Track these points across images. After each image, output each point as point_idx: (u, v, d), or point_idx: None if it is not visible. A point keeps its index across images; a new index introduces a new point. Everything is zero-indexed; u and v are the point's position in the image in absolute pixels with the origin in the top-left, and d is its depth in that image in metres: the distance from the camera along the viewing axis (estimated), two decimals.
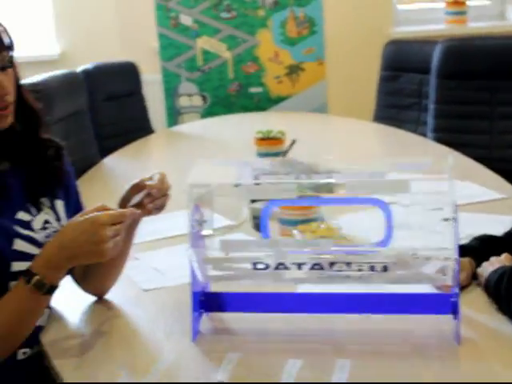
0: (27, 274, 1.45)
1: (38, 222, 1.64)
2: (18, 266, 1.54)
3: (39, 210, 1.66)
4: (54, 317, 1.71)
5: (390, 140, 3.54)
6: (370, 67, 4.41)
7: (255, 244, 1.72)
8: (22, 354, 1.59)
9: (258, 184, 1.60)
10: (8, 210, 1.58)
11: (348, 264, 1.49)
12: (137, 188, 1.65)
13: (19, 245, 1.56)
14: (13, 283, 1.52)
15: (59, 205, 1.72)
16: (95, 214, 1.45)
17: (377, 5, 5.09)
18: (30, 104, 1.67)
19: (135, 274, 1.93)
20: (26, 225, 1.60)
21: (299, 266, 1.53)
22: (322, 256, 1.51)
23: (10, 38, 1.54)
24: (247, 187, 1.60)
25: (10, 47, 1.54)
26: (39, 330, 1.61)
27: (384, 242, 1.56)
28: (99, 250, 1.42)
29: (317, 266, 1.52)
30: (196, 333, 1.57)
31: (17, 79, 1.60)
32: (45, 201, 1.69)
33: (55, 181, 1.71)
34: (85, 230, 1.44)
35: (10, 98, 1.53)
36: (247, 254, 1.57)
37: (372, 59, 4.39)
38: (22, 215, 1.61)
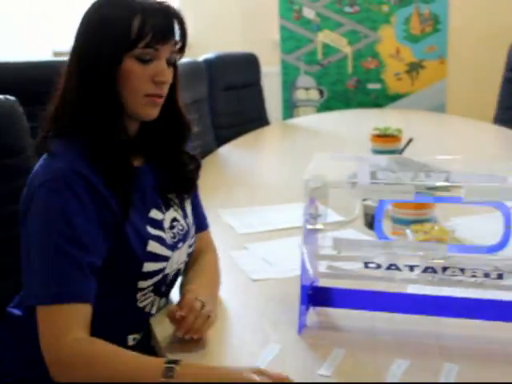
0: (170, 370, 1.34)
1: (167, 221, 1.65)
2: (148, 266, 1.57)
3: (169, 206, 1.68)
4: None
5: None
6: (494, 67, 4.33)
7: (368, 244, 1.69)
8: (132, 339, 1.64)
9: (374, 183, 1.59)
10: (142, 207, 1.60)
11: (462, 270, 1.48)
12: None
13: (152, 246, 1.58)
14: (141, 282, 1.57)
15: (187, 202, 1.75)
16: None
17: (506, 1, 4.99)
18: (182, 114, 1.72)
19: (245, 263, 1.95)
20: (158, 224, 1.62)
21: (411, 268, 1.53)
22: (436, 260, 1.50)
23: (185, 44, 1.60)
24: (364, 187, 1.59)
25: (182, 50, 1.61)
26: (149, 316, 1.66)
27: (500, 246, 1.53)
28: None
29: (429, 270, 1.51)
30: (302, 326, 1.58)
31: (175, 83, 1.65)
32: (173, 197, 1.71)
33: (186, 185, 1.74)
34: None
35: (166, 89, 1.58)
36: (359, 253, 1.58)
37: (497, 59, 4.31)
38: (154, 213, 1.63)
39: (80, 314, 1.43)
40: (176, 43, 1.56)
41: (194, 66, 3.63)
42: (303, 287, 1.58)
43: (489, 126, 3.94)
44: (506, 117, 4.09)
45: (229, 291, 1.80)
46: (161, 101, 1.57)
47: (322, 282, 1.70)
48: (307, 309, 1.62)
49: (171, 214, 1.67)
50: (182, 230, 1.69)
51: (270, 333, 1.58)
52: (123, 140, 1.55)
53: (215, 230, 1.96)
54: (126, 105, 1.54)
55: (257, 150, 3.48)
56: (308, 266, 1.58)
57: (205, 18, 5.19)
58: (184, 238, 1.70)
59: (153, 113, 1.57)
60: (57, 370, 1.40)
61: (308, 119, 4.25)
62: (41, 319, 1.43)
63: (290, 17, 4.57)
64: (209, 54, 3.96)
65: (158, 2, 1.54)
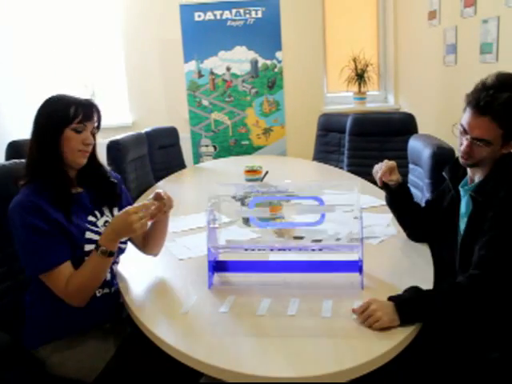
0: (96, 247, 1.48)
1: (101, 222, 1.62)
2: (88, 247, 1.53)
3: (102, 214, 1.65)
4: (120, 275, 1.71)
5: (322, 171, 3.55)
6: (311, 129, 4.41)
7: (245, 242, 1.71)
8: (97, 293, 1.58)
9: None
10: (82, 215, 1.58)
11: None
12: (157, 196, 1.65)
13: (88, 235, 1.55)
14: (86, 258, 1.53)
15: (115, 211, 1.70)
16: (127, 207, 1.49)
17: (315, 92, 5.12)
18: (97, 160, 1.69)
19: (174, 249, 1.92)
20: (93, 224, 1.60)
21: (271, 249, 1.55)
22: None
23: (100, 123, 1.62)
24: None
25: (98, 127, 1.62)
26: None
27: (318, 222, 1.57)
28: (130, 228, 1.44)
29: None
30: (210, 284, 1.57)
31: (95, 145, 1.64)
32: (105, 209, 1.67)
33: (111, 200, 1.71)
34: (121, 218, 1.46)
35: (90, 148, 1.59)
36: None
37: (312, 124, 4.41)
38: (90, 218, 1.60)
39: (64, 270, 1.47)
40: (95, 122, 1.59)
41: (139, 136, 3.53)
42: (209, 261, 1.57)
43: (310, 162, 4.01)
44: (319, 156, 4.19)
45: (164, 266, 1.78)
46: (87, 154, 1.58)
47: (221, 257, 1.69)
48: (213, 274, 1.61)
49: (104, 218, 1.64)
50: None
51: (190, 289, 1.56)
52: (63, 179, 1.55)
53: None
54: (67, 158, 1.55)
55: (179, 183, 3.40)
56: (211, 248, 1.58)
57: (144, 107, 5.11)
58: None
59: (83, 161, 1.58)
60: (72, 301, 1.49)
61: (208, 164, 4.21)
62: (46, 281, 1.47)
63: (194, 104, 4.53)
64: (148, 128, 3.87)
65: (88, 100, 1.58)
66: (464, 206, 1.61)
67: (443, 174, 1.72)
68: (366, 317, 1.29)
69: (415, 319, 1.30)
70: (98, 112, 1.60)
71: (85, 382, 1.52)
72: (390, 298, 1.34)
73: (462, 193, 1.63)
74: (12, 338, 1.59)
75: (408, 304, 1.31)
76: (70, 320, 1.55)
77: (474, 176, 1.59)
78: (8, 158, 2.70)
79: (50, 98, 1.56)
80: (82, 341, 1.57)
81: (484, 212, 1.48)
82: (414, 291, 1.36)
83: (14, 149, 2.73)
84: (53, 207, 1.49)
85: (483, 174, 1.55)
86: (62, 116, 1.52)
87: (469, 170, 1.61)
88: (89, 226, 1.57)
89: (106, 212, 1.67)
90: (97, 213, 1.63)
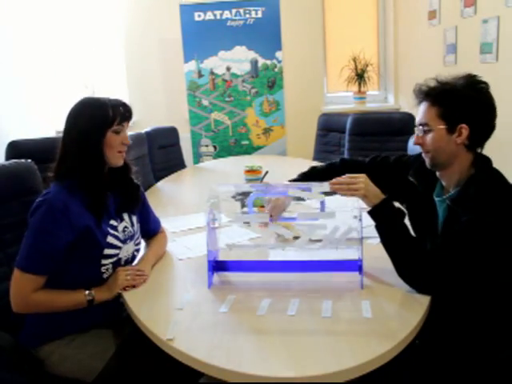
0: (89, 291, 1.52)
1: (120, 227, 1.63)
2: (107, 251, 1.55)
3: (122, 220, 1.66)
4: None
5: None
6: (311, 129, 4.42)
7: (246, 246, 1.77)
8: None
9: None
10: (106, 218, 1.58)
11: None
12: None
13: (109, 239, 1.56)
14: (103, 261, 1.55)
15: (134, 218, 1.72)
16: (119, 269, 1.59)
17: (315, 92, 5.11)
18: (126, 161, 1.69)
19: (173, 249, 1.91)
20: (115, 228, 1.60)
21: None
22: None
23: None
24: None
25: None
26: None
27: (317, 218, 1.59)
28: (116, 282, 1.55)
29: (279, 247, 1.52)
30: (210, 283, 1.57)
31: None
32: (125, 215, 1.68)
33: (133, 205, 1.72)
34: (115, 274, 1.57)
35: (126, 149, 1.63)
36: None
37: (312, 124, 4.41)
38: (112, 222, 1.60)
39: (39, 280, 1.46)
40: (129, 122, 1.62)
41: (140, 136, 3.52)
42: (209, 261, 1.57)
43: (310, 162, 4.00)
44: (319, 156, 4.19)
45: (165, 266, 1.77)
46: (124, 154, 1.62)
47: (221, 257, 1.69)
48: (212, 273, 1.61)
49: (123, 224, 1.65)
50: (130, 233, 1.67)
51: (190, 288, 1.56)
52: (102, 183, 1.57)
53: None
54: (108, 159, 1.57)
55: (178, 182, 3.41)
56: (211, 248, 1.58)
57: (145, 107, 5.10)
58: (131, 238, 1.67)
59: (121, 161, 1.62)
60: (19, 307, 1.47)
61: (208, 164, 4.21)
62: (18, 277, 1.45)
63: (194, 104, 4.54)
64: (148, 128, 3.86)
65: (117, 100, 1.60)
66: (442, 215, 1.55)
67: (409, 178, 1.65)
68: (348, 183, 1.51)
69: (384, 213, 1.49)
70: (131, 111, 1.62)
71: (84, 382, 1.52)
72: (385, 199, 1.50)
73: (437, 203, 1.57)
74: (12, 338, 1.59)
75: (390, 207, 1.48)
76: (70, 319, 1.55)
77: (449, 186, 1.52)
78: (8, 157, 2.70)
79: (84, 101, 1.57)
80: (82, 340, 1.57)
81: (459, 216, 1.41)
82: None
83: (14, 149, 2.72)
84: (85, 210, 1.50)
85: (454, 181, 1.48)
86: (103, 119, 1.53)
87: (440, 178, 1.55)
88: (110, 230, 1.58)
89: (126, 217, 1.68)
90: (117, 218, 1.64)
